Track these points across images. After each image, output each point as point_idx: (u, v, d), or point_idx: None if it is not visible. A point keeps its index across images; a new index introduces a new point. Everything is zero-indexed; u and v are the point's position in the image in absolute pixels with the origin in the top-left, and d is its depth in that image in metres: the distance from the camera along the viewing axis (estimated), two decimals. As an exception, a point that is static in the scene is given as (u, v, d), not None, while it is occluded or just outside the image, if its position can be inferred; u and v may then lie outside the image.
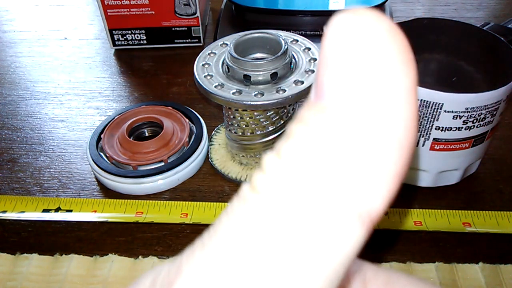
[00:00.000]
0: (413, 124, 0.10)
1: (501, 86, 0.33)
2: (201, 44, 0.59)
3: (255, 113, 0.37)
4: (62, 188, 0.42)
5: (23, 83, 0.55)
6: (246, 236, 0.10)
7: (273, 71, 0.35)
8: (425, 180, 0.39)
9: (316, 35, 0.54)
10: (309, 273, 0.10)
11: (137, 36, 0.58)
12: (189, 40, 0.58)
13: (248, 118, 0.38)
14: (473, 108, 0.33)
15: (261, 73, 0.35)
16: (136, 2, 0.55)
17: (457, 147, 0.36)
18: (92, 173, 0.43)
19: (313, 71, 0.35)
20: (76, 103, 0.52)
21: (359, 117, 0.10)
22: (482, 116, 0.34)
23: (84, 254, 0.36)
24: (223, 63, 0.37)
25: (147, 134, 0.45)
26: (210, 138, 0.45)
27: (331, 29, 0.10)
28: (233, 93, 0.34)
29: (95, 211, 0.38)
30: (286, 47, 0.36)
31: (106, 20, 0.56)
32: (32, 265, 0.35)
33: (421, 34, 0.41)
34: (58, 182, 0.42)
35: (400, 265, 0.34)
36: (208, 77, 0.36)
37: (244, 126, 0.38)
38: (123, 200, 0.39)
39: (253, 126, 0.38)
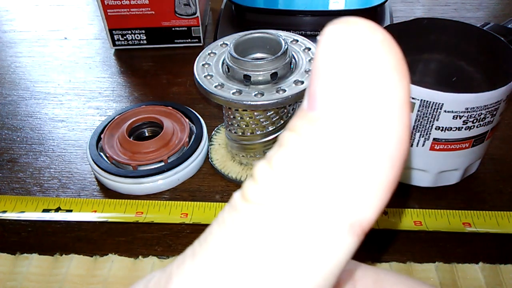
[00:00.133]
0: (405, 136, 0.10)
1: (501, 86, 0.33)
2: (201, 44, 0.59)
3: (255, 113, 0.37)
4: (62, 188, 0.42)
5: (23, 83, 0.55)
6: (237, 247, 0.10)
7: (273, 71, 0.35)
8: (425, 180, 0.39)
9: (316, 35, 0.54)
10: (300, 283, 0.10)
11: (137, 36, 0.58)
12: (189, 40, 0.59)
13: (248, 118, 0.38)
14: (473, 108, 0.33)
15: (261, 73, 0.35)
16: (136, 2, 0.55)
17: (457, 147, 0.36)
18: (92, 173, 0.43)
19: (313, 71, 0.35)
20: (76, 103, 0.52)
21: (351, 129, 0.10)
22: (482, 116, 0.34)
23: (84, 254, 0.36)
24: (223, 63, 0.37)
25: (147, 134, 0.45)
26: (210, 138, 0.45)
27: (324, 39, 0.10)
28: (233, 93, 0.34)
29: (95, 211, 0.38)
30: (286, 47, 0.36)
31: (106, 20, 0.56)
32: (32, 265, 0.35)
33: (421, 34, 0.41)
34: (58, 182, 0.42)
35: (400, 265, 0.34)
36: (208, 77, 0.36)
37: (244, 126, 0.38)
38: (123, 200, 0.39)
39: (253, 126, 0.38)
